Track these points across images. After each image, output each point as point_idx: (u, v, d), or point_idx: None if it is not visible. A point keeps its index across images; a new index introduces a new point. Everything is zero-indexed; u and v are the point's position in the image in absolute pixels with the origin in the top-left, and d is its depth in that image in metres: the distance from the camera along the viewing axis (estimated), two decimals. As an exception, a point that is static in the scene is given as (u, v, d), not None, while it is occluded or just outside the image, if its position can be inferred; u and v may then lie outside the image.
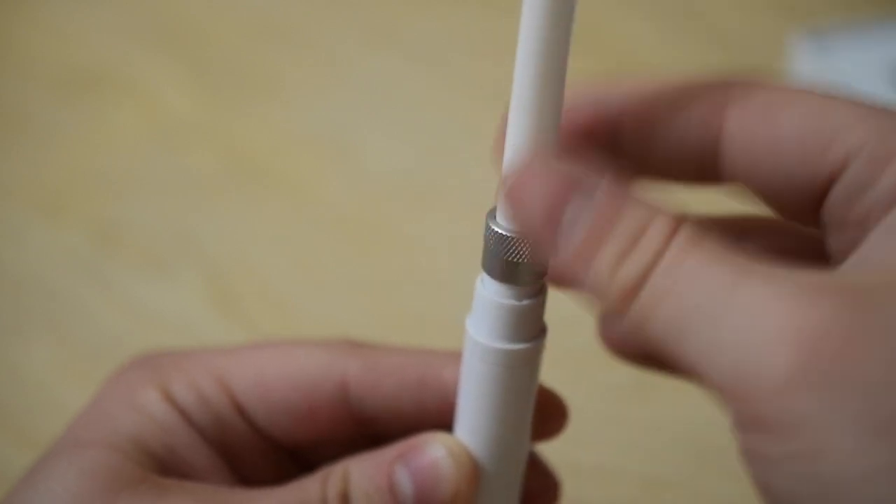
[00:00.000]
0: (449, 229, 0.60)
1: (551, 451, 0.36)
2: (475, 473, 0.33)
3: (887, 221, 0.27)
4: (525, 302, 0.30)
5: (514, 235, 0.29)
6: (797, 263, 0.25)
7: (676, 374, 0.29)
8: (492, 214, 0.30)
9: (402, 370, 0.35)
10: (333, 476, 0.32)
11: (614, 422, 0.51)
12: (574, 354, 0.53)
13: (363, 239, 0.60)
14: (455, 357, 0.34)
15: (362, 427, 0.35)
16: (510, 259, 0.30)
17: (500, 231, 0.29)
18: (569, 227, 0.26)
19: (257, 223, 0.60)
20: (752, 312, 0.24)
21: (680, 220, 0.26)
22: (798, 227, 0.31)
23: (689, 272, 0.25)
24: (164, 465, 0.33)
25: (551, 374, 0.33)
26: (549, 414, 0.34)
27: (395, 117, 0.67)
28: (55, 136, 0.64)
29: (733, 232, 0.33)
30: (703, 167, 0.30)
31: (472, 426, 0.32)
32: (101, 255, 0.58)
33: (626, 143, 0.31)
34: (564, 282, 0.27)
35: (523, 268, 0.30)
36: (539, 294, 0.31)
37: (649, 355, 0.33)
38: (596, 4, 0.71)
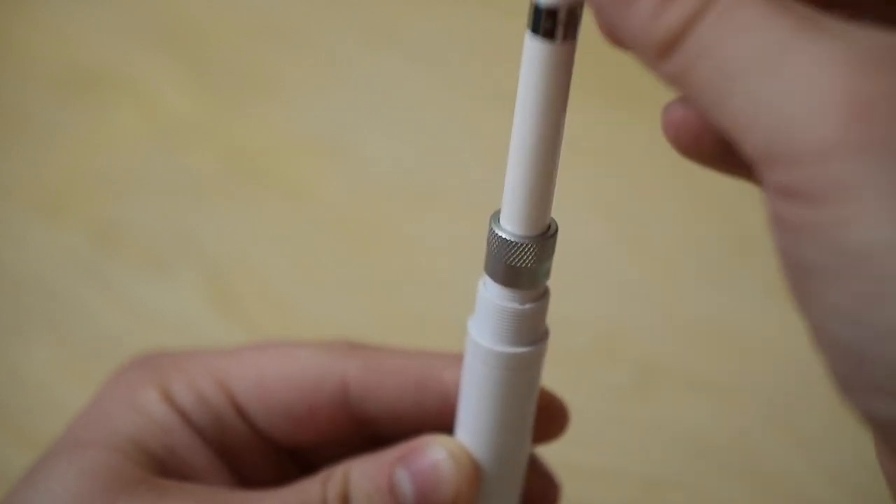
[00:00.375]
0: (449, 229, 0.60)
1: (552, 452, 0.36)
2: (476, 476, 0.33)
3: None
4: (528, 306, 0.30)
5: (517, 240, 0.29)
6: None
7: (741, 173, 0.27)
8: (496, 217, 0.29)
9: (403, 372, 0.35)
10: (334, 477, 0.32)
11: (615, 422, 0.51)
12: (574, 354, 0.54)
13: (363, 239, 0.60)
14: (455, 359, 0.34)
15: (362, 428, 0.35)
16: (513, 263, 0.29)
17: (503, 235, 0.29)
18: None
19: (257, 223, 0.60)
20: (804, 72, 0.23)
21: None
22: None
23: (740, 22, 0.23)
24: (164, 466, 0.33)
25: (552, 375, 0.33)
26: (549, 416, 0.34)
27: (395, 117, 0.67)
28: (55, 136, 0.64)
29: None
30: None
31: (473, 428, 0.32)
32: (101, 255, 0.58)
33: None
34: (608, 30, 0.25)
35: (526, 272, 0.30)
36: (542, 298, 0.31)
37: (722, 150, 0.28)
38: None
